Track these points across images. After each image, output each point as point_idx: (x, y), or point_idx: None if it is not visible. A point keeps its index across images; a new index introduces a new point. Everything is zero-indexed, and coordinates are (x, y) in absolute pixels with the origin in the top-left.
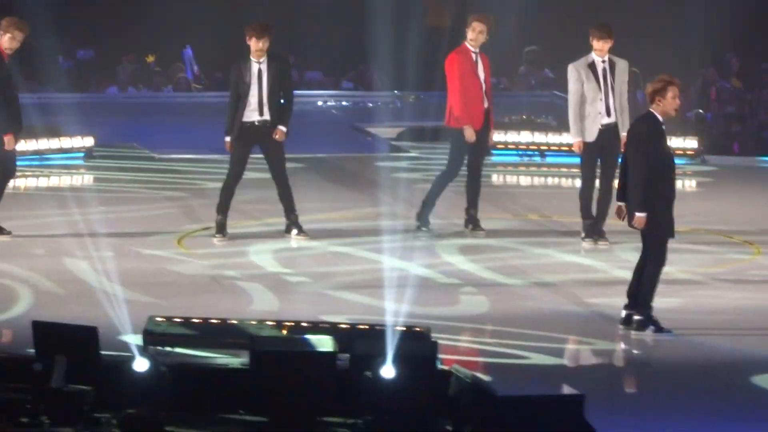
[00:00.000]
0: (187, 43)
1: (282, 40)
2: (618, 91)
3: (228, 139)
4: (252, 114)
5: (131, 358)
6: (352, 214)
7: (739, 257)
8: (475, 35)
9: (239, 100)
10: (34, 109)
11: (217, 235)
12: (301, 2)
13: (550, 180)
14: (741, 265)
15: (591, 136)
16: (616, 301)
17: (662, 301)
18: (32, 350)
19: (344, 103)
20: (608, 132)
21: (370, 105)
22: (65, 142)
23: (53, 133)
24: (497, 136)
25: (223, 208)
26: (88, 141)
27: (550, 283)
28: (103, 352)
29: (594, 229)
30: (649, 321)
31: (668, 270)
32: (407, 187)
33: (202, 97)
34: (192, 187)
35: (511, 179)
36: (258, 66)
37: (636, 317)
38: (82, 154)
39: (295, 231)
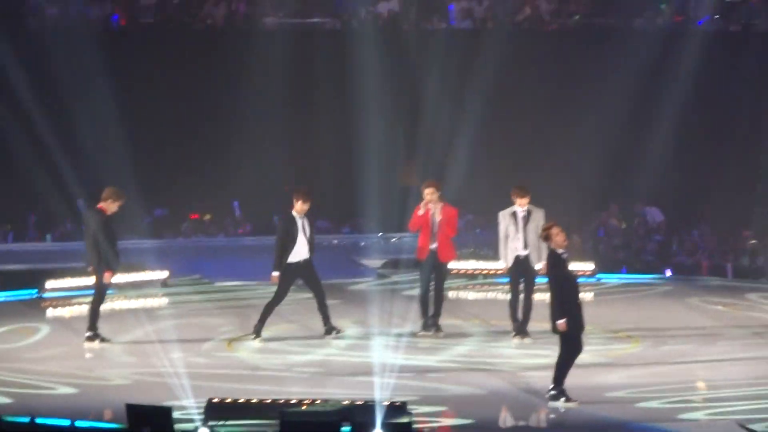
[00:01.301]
0: (234, 197)
1: None
2: (532, 232)
3: (276, 273)
4: (297, 256)
5: (196, 429)
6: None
7: (624, 347)
8: (427, 197)
9: (286, 247)
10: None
11: (253, 336)
12: (310, 166)
13: (489, 294)
14: (626, 352)
15: (511, 262)
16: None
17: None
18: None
19: (344, 242)
20: (525, 260)
21: (362, 243)
22: (148, 274)
23: (140, 268)
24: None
25: (263, 319)
26: (164, 273)
27: (489, 367)
28: (176, 426)
29: (520, 329)
30: (562, 393)
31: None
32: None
33: (245, 240)
34: (239, 305)
35: (463, 294)
36: (301, 221)
37: (552, 392)
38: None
39: (333, 332)
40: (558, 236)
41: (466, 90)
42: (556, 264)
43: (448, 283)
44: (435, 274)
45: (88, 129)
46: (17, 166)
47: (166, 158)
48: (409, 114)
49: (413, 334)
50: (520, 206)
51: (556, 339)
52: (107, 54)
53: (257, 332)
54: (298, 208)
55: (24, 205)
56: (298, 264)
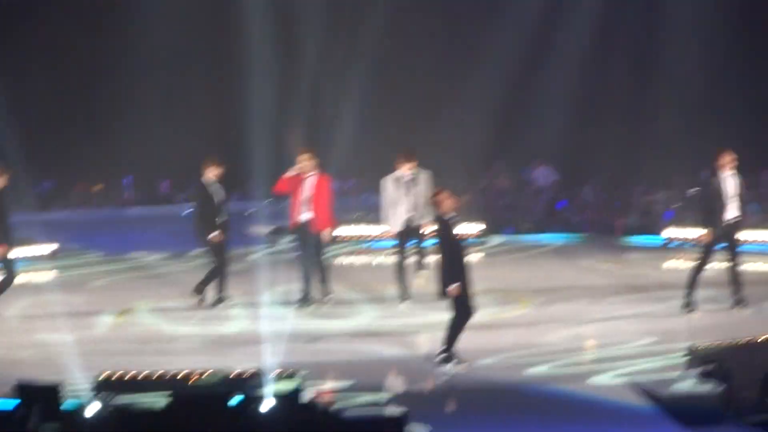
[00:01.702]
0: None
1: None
2: (420, 195)
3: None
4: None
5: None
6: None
7: (513, 308)
8: (301, 163)
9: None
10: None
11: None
12: (196, 135)
13: (377, 259)
14: (515, 314)
15: (398, 227)
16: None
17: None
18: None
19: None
20: (411, 224)
21: (250, 210)
22: (36, 248)
23: (27, 242)
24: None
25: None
26: (53, 247)
27: (380, 332)
28: (66, 401)
29: (406, 295)
30: (451, 357)
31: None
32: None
33: (132, 212)
34: (130, 277)
35: (351, 260)
36: (214, 186)
37: (441, 355)
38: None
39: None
40: (447, 201)
41: (351, 52)
42: (444, 229)
43: (336, 250)
44: (311, 243)
45: None
46: None
47: (52, 130)
48: (293, 79)
49: (302, 304)
50: (406, 170)
51: (444, 303)
52: None
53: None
54: (211, 174)
55: None
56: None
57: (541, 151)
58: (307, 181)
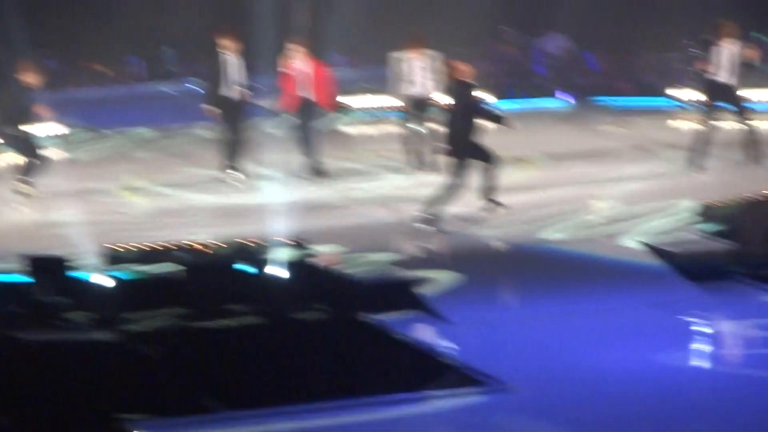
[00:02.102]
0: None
1: None
2: (429, 71)
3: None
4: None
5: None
6: None
7: (521, 171)
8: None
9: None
10: None
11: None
12: None
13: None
14: (524, 175)
15: (407, 100)
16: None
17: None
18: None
19: None
20: (421, 99)
21: None
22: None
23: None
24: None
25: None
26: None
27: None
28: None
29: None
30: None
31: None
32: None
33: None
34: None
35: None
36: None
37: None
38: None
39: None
40: (462, 66)
41: None
42: (463, 91)
43: (343, 119)
44: (313, 118)
45: None
46: None
47: (54, 8)
48: None
49: (315, 174)
50: (414, 53)
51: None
52: None
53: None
54: (223, 45)
55: None
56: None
57: (552, 21)
58: (302, 66)
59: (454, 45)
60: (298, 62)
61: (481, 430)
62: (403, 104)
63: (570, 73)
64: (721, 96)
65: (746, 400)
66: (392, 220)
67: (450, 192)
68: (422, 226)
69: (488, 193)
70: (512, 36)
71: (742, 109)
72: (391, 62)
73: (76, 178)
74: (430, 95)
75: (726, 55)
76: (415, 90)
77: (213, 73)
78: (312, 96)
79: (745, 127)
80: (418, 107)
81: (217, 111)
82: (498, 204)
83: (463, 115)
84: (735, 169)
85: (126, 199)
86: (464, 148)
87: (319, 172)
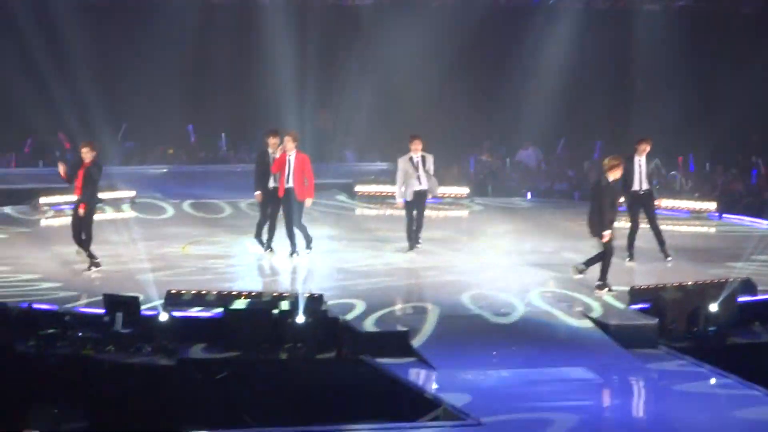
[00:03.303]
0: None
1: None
2: (428, 170)
3: (257, 193)
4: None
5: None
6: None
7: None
8: (287, 144)
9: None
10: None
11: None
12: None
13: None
14: (488, 260)
15: (410, 197)
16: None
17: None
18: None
19: None
20: (422, 193)
21: None
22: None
23: (111, 188)
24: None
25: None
26: (132, 193)
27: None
28: (142, 311)
29: (413, 244)
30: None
31: None
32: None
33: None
34: (193, 219)
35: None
36: (272, 156)
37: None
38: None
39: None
40: (614, 169)
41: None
42: (603, 189)
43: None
44: (288, 208)
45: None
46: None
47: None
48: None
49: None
50: (416, 152)
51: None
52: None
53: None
54: (270, 143)
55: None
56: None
57: (528, 134)
58: (289, 158)
59: (449, 155)
60: (290, 154)
61: None
62: (405, 201)
63: (537, 179)
64: (639, 202)
65: None
66: (394, 284)
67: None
68: (600, 291)
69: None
70: (491, 147)
71: (652, 214)
72: (399, 165)
73: (143, 235)
74: (428, 190)
75: (643, 165)
76: (417, 189)
77: (261, 166)
78: (297, 188)
79: (655, 229)
80: (418, 202)
81: (259, 197)
82: None
83: (603, 206)
84: (656, 261)
85: (183, 252)
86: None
87: (292, 252)
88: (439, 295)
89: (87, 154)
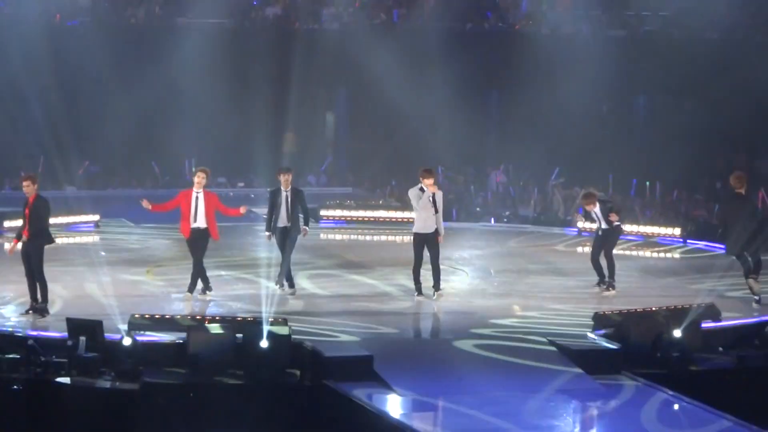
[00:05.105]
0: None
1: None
2: (439, 208)
3: (267, 233)
4: (281, 222)
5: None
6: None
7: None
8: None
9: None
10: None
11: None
12: (214, 139)
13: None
14: (459, 285)
15: (421, 230)
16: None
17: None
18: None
19: (238, 194)
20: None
21: (252, 195)
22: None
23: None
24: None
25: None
26: (96, 217)
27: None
28: (106, 335)
29: (418, 288)
30: None
31: None
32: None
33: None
34: (155, 243)
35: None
36: (285, 193)
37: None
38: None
39: (279, 286)
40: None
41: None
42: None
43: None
44: (202, 247)
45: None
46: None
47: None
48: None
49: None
50: (427, 185)
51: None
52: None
53: (280, 283)
54: (284, 179)
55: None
56: (281, 228)
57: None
58: (196, 196)
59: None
60: (198, 193)
61: None
62: (418, 233)
63: (501, 205)
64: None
65: None
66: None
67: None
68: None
69: None
70: (460, 170)
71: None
72: (413, 194)
73: (108, 259)
74: (436, 228)
75: (595, 214)
76: (426, 223)
77: (273, 206)
78: (210, 227)
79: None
80: (426, 240)
81: (268, 237)
82: None
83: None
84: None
85: (147, 278)
86: None
87: (205, 288)
88: (404, 320)
89: (29, 188)
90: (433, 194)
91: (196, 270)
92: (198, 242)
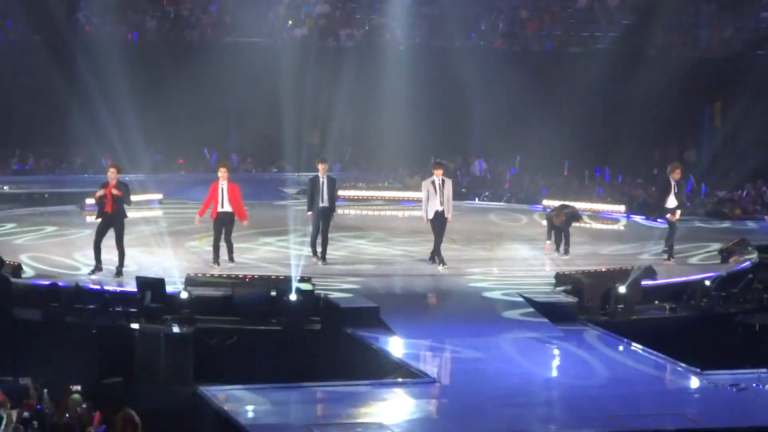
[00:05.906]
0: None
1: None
2: (446, 194)
3: (309, 213)
4: (322, 202)
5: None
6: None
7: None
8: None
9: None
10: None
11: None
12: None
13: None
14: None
15: (431, 215)
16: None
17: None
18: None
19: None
20: (441, 213)
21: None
22: (148, 195)
23: (142, 192)
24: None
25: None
26: (159, 195)
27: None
28: (167, 290)
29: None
30: None
31: None
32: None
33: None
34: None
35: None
36: (322, 179)
37: None
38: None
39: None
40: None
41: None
42: None
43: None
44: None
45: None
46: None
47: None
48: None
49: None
50: (437, 175)
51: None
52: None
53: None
54: (320, 169)
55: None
56: (322, 208)
57: (476, 148)
58: (222, 187)
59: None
60: (223, 184)
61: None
62: (427, 219)
63: (483, 187)
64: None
65: (579, 396)
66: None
67: None
68: None
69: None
70: (450, 158)
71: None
72: (424, 185)
73: (169, 231)
74: (446, 211)
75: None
76: (437, 208)
77: (313, 189)
78: (234, 211)
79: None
80: (439, 220)
81: (311, 216)
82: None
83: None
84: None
85: (200, 245)
86: None
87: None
88: (403, 280)
89: (113, 174)
90: (443, 180)
91: (228, 244)
92: (225, 223)
